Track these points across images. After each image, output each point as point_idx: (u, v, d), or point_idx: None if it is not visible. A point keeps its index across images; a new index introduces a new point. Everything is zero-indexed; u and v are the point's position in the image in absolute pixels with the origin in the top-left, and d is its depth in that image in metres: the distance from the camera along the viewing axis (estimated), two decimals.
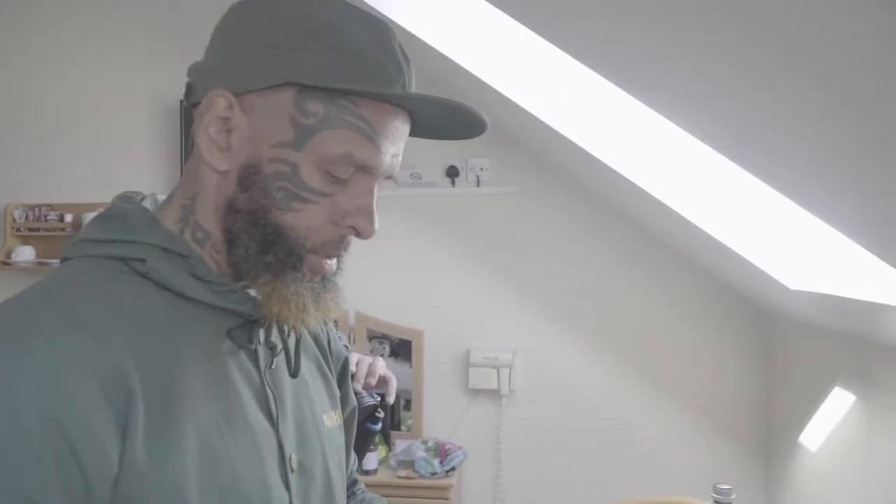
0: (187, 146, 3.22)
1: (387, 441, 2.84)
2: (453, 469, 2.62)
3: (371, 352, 2.98)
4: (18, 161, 3.27)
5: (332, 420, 0.84)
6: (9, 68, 3.28)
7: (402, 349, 2.99)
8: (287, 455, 0.73)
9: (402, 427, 2.97)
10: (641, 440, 2.82)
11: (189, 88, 0.72)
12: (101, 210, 0.73)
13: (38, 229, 3.18)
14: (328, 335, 0.94)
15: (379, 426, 1.32)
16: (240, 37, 0.68)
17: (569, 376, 2.89)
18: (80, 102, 3.23)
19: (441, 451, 2.65)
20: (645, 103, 1.63)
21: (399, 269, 3.01)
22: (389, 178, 0.74)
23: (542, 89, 2.15)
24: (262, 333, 0.75)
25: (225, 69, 0.68)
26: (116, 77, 3.19)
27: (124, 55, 3.19)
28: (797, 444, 2.26)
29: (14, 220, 3.19)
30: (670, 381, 2.82)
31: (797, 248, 1.94)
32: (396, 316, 2.99)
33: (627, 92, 1.62)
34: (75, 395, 0.57)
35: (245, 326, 0.72)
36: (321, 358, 0.89)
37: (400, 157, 0.73)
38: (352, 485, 1.03)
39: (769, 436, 2.70)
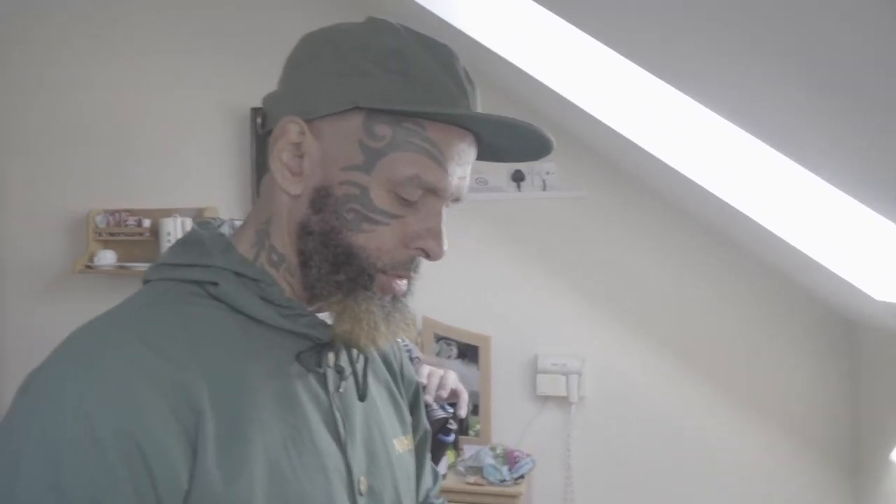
0: (258, 153, 3.31)
1: (455, 447, 2.84)
2: (522, 477, 2.60)
3: (438, 353, 2.98)
4: (100, 169, 3.40)
5: (402, 445, 0.85)
6: (90, 80, 3.41)
7: (469, 351, 2.98)
8: (355, 478, 0.74)
9: (471, 432, 2.97)
10: (717, 452, 2.74)
11: (263, 117, 0.74)
12: (182, 235, 0.76)
13: (119, 234, 3.29)
14: (400, 361, 0.94)
15: (452, 438, 1.32)
16: (309, 66, 0.70)
17: (640, 385, 2.83)
18: (158, 112, 3.34)
19: (510, 459, 2.64)
20: (716, 112, 1.58)
21: (466, 273, 3.00)
22: (457, 200, 0.74)
23: (613, 97, 2.11)
24: (330, 357, 0.75)
25: (296, 97, 0.70)
26: (191, 87, 3.28)
27: (198, 66, 3.27)
28: (888, 462, 2.15)
29: (96, 226, 3.32)
30: (748, 394, 2.73)
31: (883, 257, 1.85)
32: (464, 321, 2.98)
33: (701, 103, 1.58)
34: (147, 411, 0.59)
35: (314, 350, 0.73)
36: (392, 383, 0.89)
37: (467, 180, 0.73)
38: None
39: (858, 454, 2.58)
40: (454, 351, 2.99)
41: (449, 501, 2.65)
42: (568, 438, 2.87)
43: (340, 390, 0.76)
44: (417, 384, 0.98)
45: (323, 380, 0.74)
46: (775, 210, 2.04)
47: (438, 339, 3.01)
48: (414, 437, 0.92)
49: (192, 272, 0.70)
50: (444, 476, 2.60)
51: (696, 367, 2.78)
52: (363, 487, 0.74)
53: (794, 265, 2.35)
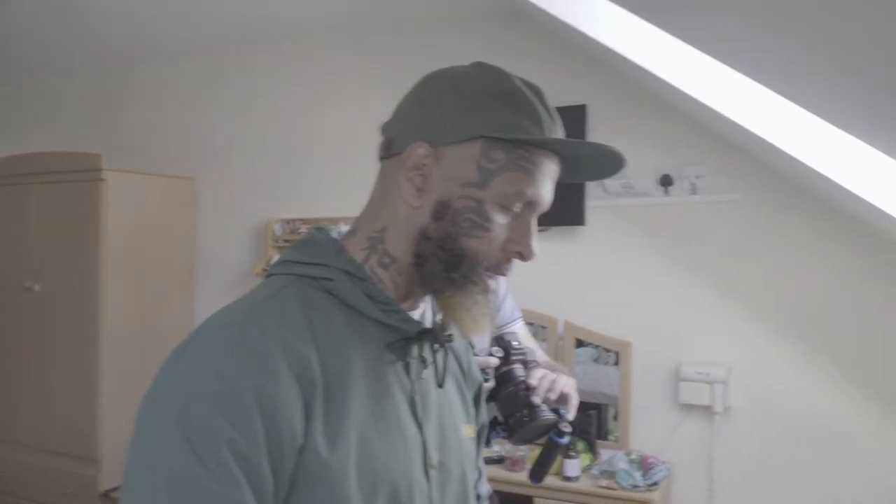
0: None
1: (592, 450, 2.84)
2: (656, 484, 2.54)
3: (596, 359, 2.99)
4: (279, 182, 3.79)
5: (467, 431, 0.97)
6: (271, 105, 3.82)
7: None
8: (429, 453, 0.86)
9: (610, 437, 2.94)
10: (877, 468, 2.51)
11: (388, 142, 0.87)
12: (299, 238, 0.90)
13: (292, 241, 3.63)
14: (468, 361, 1.05)
15: (565, 440, 1.37)
16: (436, 103, 0.84)
17: (791, 397, 2.66)
18: (328, 131, 3.66)
19: (644, 465, 2.59)
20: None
21: (609, 278, 3.00)
22: (543, 211, 0.86)
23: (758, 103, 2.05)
24: (415, 348, 0.87)
25: (425, 127, 0.83)
26: (357, 109, 3.56)
27: (364, 89, 3.56)
28: None
29: (274, 233, 3.70)
30: None
31: None
32: (604, 326, 2.97)
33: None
34: (278, 375, 0.71)
35: (403, 341, 0.85)
36: (461, 378, 1.02)
37: (552, 195, 0.85)
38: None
39: None
40: (612, 357, 2.98)
41: (582, 503, 2.65)
42: (711, 450, 2.76)
43: (423, 377, 0.88)
44: (481, 383, 1.07)
45: (408, 368, 0.86)
46: None
47: (599, 346, 3.01)
48: (475, 428, 1.04)
49: (310, 269, 0.83)
50: (577, 478, 2.62)
51: (854, 377, 2.57)
52: (435, 462, 0.86)
53: None
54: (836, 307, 2.62)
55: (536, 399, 1.34)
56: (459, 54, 0.86)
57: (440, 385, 0.89)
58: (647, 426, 2.88)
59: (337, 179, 3.62)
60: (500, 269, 0.83)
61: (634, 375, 2.91)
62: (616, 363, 2.95)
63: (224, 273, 3.91)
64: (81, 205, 3.50)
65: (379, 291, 0.83)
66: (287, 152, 3.78)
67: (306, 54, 3.73)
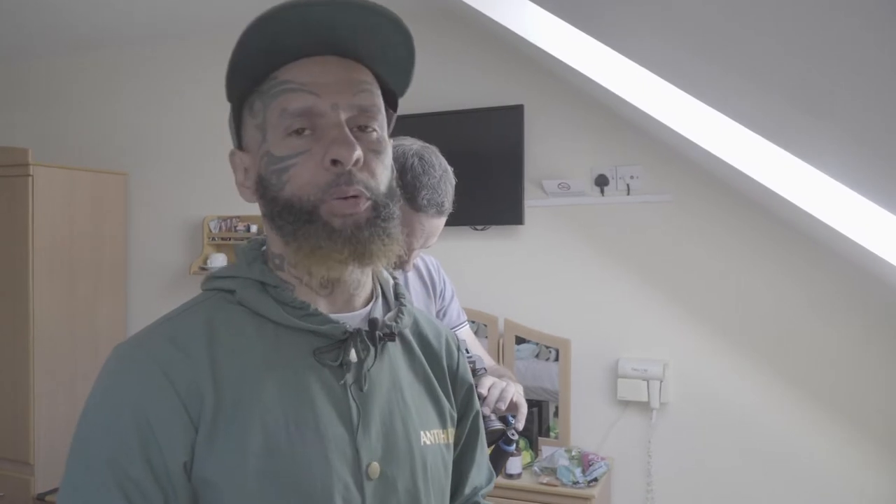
0: None
1: (533, 447, 2.89)
2: (596, 480, 2.61)
3: (537, 355, 3.04)
4: (215, 179, 3.70)
5: (435, 437, 0.89)
6: (208, 101, 3.73)
7: None
8: (364, 463, 0.80)
9: (551, 434, 3.00)
10: (805, 462, 2.64)
11: None
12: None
13: (229, 239, 3.58)
14: (457, 362, 1.00)
15: (512, 447, 1.39)
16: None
17: (726, 392, 2.76)
18: None
19: (584, 461, 2.65)
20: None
21: (548, 277, 3.04)
22: (367, 119, 0.80)
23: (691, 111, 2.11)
24: (351, 352, 0.82)
25: (234, 140, 0.89)
26: None
27: None
28: None
29: (210, 231, 3.63)
30: (838, 402, 2.61)
31: None
32: (544, 323, 3.02)
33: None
34: (157, 394, 0.74)
35: (332, 346, 0.82)
36: (434, 379, 0.94)
37: (356, 98, 0.80)
38: None
39: None
40: (553, 353, 3.03)
41: (523, 500, 2.69)
42: (649, 444, 2.84)
43: (342, 382, 0.82)
44: (471, 385, 1.02)
45: (340, 373, 0.82)
46: (864, 220, 1.97)
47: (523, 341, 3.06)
48: (460, 433, 0.99)
49: (223, 283, 0.85)
50: (519, 475, 2.66)
51: (784, 374, 2.69)
52: (372, 473, 0.80)
53: (889, 274, 2.24)
54: (765, 303, 2.72)
55: (486, 409, 1.35)
56: None
57: (360, 389, 0.83)
58: (587, 422, 2.95)
59: None
60: (335, 188, 0.77)
61: (574, 373, 2.97)
62: (557, 359, 3.01)
63: (158, 272, 3.81)
64: (9, 200, 3.36)
65: (292, 297, 0.82)
66: (223, 148, 3.68)
67: None
